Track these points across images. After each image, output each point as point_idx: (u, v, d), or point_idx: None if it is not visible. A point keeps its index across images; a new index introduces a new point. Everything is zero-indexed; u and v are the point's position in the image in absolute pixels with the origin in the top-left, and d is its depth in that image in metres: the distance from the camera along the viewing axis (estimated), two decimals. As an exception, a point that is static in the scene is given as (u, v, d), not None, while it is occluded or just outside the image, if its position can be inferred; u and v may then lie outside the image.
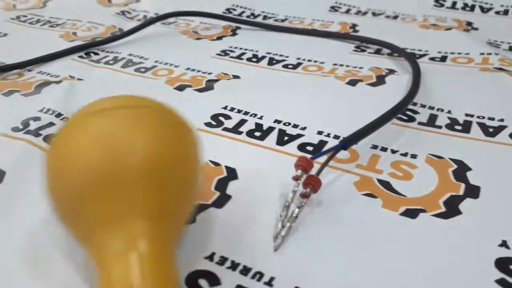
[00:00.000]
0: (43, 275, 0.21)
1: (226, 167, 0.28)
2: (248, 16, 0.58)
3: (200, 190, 0.22)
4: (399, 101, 0.32)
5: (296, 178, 0.24)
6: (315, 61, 0.44)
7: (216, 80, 0.40)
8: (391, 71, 0.41)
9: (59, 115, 0.35)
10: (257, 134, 0.32)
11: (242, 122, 0.34)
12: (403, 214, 0.24)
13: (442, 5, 0.59)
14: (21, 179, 0.28)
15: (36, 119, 0.34)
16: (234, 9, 0.61)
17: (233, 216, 0.24)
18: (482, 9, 0.58)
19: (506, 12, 0.56)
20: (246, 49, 0.47)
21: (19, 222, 0.24)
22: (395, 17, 0.56)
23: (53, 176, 0.20)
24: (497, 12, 0.57)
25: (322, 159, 0.26)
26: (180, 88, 0.38)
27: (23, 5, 0.65)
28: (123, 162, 0.19)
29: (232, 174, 0.28)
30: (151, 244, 0.18)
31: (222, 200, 0.26)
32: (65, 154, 0.19)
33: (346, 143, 0.27)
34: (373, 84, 0.38)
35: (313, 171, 0.25)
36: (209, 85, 0.39)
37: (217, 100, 0.36)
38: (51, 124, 0.34)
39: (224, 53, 0.47)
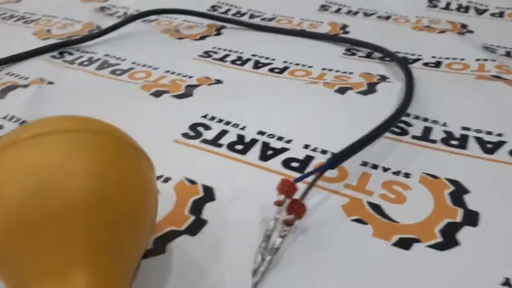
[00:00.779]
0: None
1: (203, 186, 0.26)
2: (234, 14, 0.56)
3: (155, 223, 0.19)
4: (391, 114, 0.30)
5: (278, 203, 0.22)
6: (303, 65, 0.42)
7: (197, 86, 0.37)
8: (383, 78, 0.39)
9: (23, 123, 0.32)
10: (239, 147, 0.29)
11: (223, 133, 0.31)
12: (395, 244, 0.22)
13: (435, 6, 0.57)
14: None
15: (-1, 127, 0.31)
16: (220, 7, 0.58)
17: (208, 246, 0.22)
18: (477, 11, 0.56)
19: (501, 14, 0.54)
20: (230, 51, 0.45)
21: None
22: (387, 18, 0.54)
23: None
24: (492, 14, 0.55)
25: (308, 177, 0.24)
26: (157, 94, 0.36)
27: (-3, -2, 0.62)
28: (58, 199, 0.16)
29: (209, 194, 0.25)
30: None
31: (197, 225, 0.23)
32: None
33: (334, 162, 0.25)
34: (363, 92, 0.35)
35: (298, 193, 0.23)
36: (188, 91, 0.36)
37: (197, 108, 0.34)
38: (14, 133, 0.31)
39: (207, 54, 0.44)
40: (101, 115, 0.33)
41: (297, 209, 0.22)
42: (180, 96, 0.35)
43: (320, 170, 0.24)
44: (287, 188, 0.22)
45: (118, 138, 0.18)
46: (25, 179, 0.16)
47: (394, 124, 0.30)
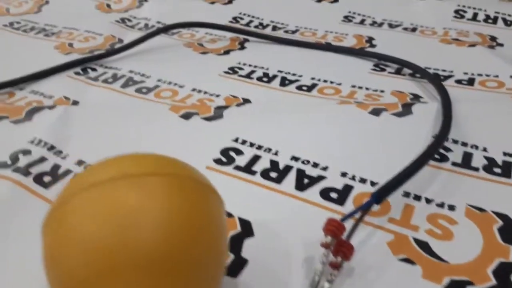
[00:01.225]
0: None
1: (240, 219, 0.25)
2: (256, 26, 0.55)
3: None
4: (434, 140, 0.29)
5: (325, 246, 0.21)
6: (331, 82, 0.41)
7: (226, 107, 0.36)
8: (416, 97, 0.38)
9: (51, 148, 0.31)
10: (273, 175, 0.29)
11: (256, 158, 0.30)
12: (448, 287, 0.21)
13: (462, 17, 0.56)
14: (6, 231, 0.24)
15: (26, 152, 0.31)
16: (241, 18, 0.57)
17: (251, 289, 0.21)
18: (505, 22, 0.54)
19: (531, 26, 0.53)
20: (255, 66, 0.44)
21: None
22: (414, 30, 0.53)
23: (53, 261, 0.17)
24: (522, 26, 0.53)
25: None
26: (186, 116, 0.35)
27: (17, 9, 0.61)
28: (137, 247, 0.16)
29: (247, 229, 0.24)
30: None
31: (237, 265, 0.22)
32: (64, 239, 0.16)
33: (380, 196, 0.24)
34: (398, 114, 0.34)
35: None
36: (218, 113, 0.35)
37: (227, 131, 0.33)
38: (42, 159, 0.30)
39: (233, 70, 0.43)
40: (129, 138, 0.32)
41: (344, 251, 0.21)
42: (210, 118, 0.34)
43: (366, 207, 0.23)
44: (334, 228, 0.21)
45: (195, 180, 0.18)
46: (104, 228, 0.16)
47: (437, 151, 0.29)
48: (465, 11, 0.57)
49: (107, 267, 0.16)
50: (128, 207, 0.16)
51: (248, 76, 0.42)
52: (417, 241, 0.24)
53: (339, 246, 0.21)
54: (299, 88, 0.40)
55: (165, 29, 0.49)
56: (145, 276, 0.16)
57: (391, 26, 0.54)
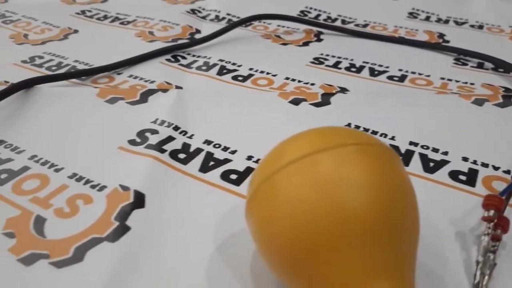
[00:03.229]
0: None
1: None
2: (325, 20, 0.56)
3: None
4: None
5: (488, 220, 0.22)
6: (420, 74, 0.42)
7: (331, 94, 0.37)
8: (507, 90, 0.39)
9: (176, 128, 0.33)
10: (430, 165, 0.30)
11: (373, 143, 0.31)
12: None
13: (525, 15, 0.57)
14: (162, 204, 0.26)
15: (153, 131, 0.32)
16: (309, 12, 0.58)
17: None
18: None
19: None
20: (339, 57, 0.45)
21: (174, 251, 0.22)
22: (480, 27, 0.54)
23: (264, 233, 0.18)
24: None
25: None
26: (295, 102, 0.36)
27: (83, -2, 0.62)
28: (351, 212, 0.17)
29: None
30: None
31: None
32: (274, 210, 0.18)
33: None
34: (501, 105, 0.36)
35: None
36: (326, 100, 0.36)
37: (337, 116, 0.34)
38: (171, 138, 0.32)
39: (318, 61, 0.45)
40: (247, 122, 0.33)
41: (502, 224, 0.22)
42: (318, 105, 0.36)
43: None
44: (496, 203, 0.22)
45: (384, 147, 0.19)
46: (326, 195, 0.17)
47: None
48: (528, 10, 0.58)
49: (322, 234, 0.16)
50: (336, 174, 0.17)
51: (335, 66, 0.44)
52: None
53: (498, 220, 0.22)
54: (390, 78, 0.41)
55: (249, 20, 0.50)
56: (359, 238, 0.17)
57: (457, 23, 0.55)
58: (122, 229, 0.24)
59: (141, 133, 0.32)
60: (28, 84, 0.36)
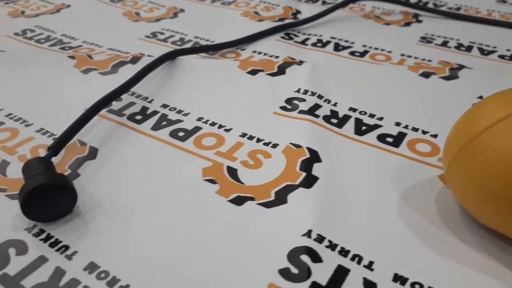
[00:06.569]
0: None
1: None
2: (416, 3, 0.58)
3: None
4: None
5: None
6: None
7: (459, 68, 0.40)
8: None
9: (320, 96, 0.35)
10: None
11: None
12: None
13: None
14: (334, 159, 0.28)
15: (301, 100, 0.35)
16: (400, -5, 0.60)
17: None
18: None
19: None
20: (445, 37, 0.47)
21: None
22: None
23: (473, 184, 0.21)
24: None
25: None
26: (425, 75, 0.38)
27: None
28: None
29: None
30: None
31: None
32: (483, 163, 0.20)
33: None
34: (446, 78, 0.38)
35: None
36: (454, 74, 0.39)
37: (467, 90, 0.36)
38: (317, 106, 0.34)
39: (426, 40, 0.47)
40: (385, 94, 0.36)
41: None
42: (447, 78, 0.38)
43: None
44: None
45: None
46: None
47: None
48: None
49: None
50: None
51: (444, 45, 0.45)
52: None
53: None
54: (501, 57, 0.43)
55: (351, 1, 0.52)
56: None
57: (548, 6, 0.56)
58: (312, 178, 0.26)
59: (289, 101, 0.35)
60: (172, 55, 0.40)
